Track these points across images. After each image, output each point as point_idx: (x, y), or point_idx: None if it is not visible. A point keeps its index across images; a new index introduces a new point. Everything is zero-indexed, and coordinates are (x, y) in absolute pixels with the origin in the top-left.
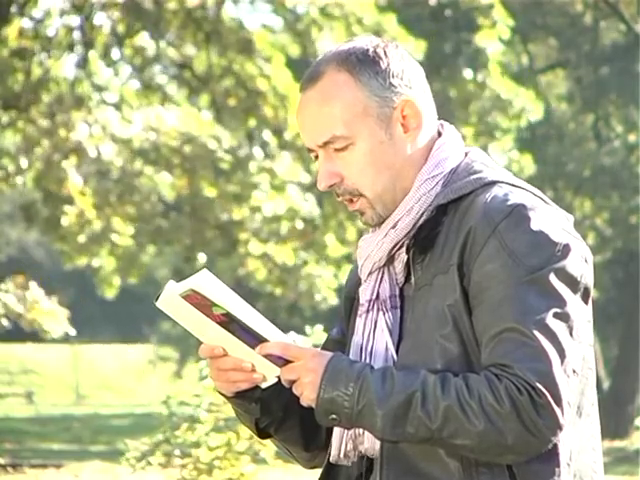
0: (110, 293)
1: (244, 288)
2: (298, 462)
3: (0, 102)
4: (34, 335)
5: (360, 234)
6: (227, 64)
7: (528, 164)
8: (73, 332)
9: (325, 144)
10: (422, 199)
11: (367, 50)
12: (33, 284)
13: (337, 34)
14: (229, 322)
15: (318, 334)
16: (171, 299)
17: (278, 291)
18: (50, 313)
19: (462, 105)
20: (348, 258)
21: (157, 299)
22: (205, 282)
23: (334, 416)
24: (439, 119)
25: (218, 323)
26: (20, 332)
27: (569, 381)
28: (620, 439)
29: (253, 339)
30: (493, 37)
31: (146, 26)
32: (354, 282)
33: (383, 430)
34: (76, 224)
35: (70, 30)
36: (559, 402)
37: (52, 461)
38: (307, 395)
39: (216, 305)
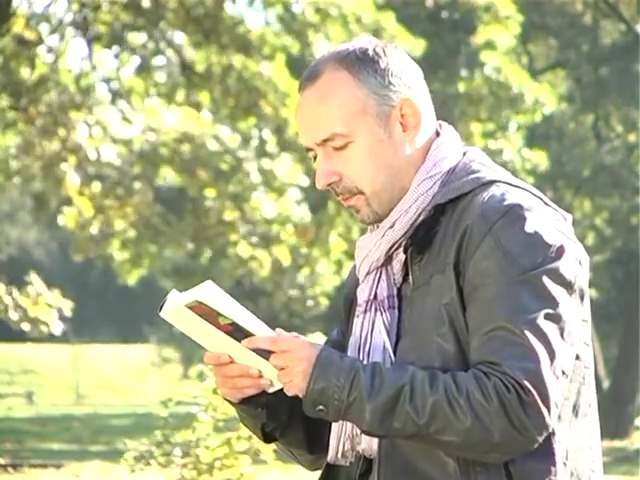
0: (132, 279)
1: (244, 288)
2: (302, 464)
3: (5, 99)
4: (34, 335)
5: (363, 233)
6: (227, 62)
7: (541, 161)
8: (69, 331)
9: (324, 142)
10: (420, 199)
11: (366, 49)
12: (35, 278)
13: (335, 33)
14: (235, 330)
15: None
16: (175, 309)
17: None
18: (53, 306)
19: (472, 102)
20: (351, 255)
21: (160, 309)
22: (210, 293)
23: (322, 407)
24: (441, 119)
25: (224, 332)
26: (20, 332)
27: (558, 382)
28: (620, 439)
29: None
30: (502, 32)
31: (146, 24)
32: (353, 283)
33: (371, 425)
34: (75, 225)
35: (75, 18)
36: (546, 402)
37: (52, 461)
38: (297, 383)
39: (222, 315)
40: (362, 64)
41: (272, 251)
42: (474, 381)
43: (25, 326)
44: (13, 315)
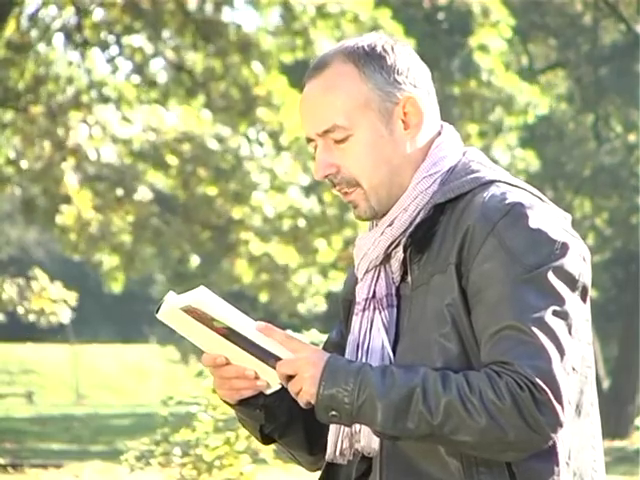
0: (116, 287)
1: (244, 288)
2: (302, 465)
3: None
4: (34, 335)
5: (346, 243)
6: (224, 66)
7: (532, 161)
8: (70, 331)
9: (324, 133)
10: (419, 197)
11: (375, 45)
12: (39, 273)
13: (330, 32)
14: (230, 334)
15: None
16: (172, 312)
17: (264, 296)
18: (57, 300)
19: (466, 103)
20: (335, 266)
21: (157, 311)
22: (203, 299)
23: (334, 412)
24: (443, 119)
25: (220, 334)
26: (20, 332)
27: (569, 378)
28: (620, 439)
29: (256, 349)
30: (494, 36)
31: (144, 26)
32: (352, 283)
33: (384, 425)
34: (74, 225)
35: (67, 22)
36: (559, 399)
37: (52, 461)
38: (307, 390)
39: (216, 320)
40: (369, 59)
41: (283, 248)
42: (487, 380)
43: (33, 317)
44: (20, 309)
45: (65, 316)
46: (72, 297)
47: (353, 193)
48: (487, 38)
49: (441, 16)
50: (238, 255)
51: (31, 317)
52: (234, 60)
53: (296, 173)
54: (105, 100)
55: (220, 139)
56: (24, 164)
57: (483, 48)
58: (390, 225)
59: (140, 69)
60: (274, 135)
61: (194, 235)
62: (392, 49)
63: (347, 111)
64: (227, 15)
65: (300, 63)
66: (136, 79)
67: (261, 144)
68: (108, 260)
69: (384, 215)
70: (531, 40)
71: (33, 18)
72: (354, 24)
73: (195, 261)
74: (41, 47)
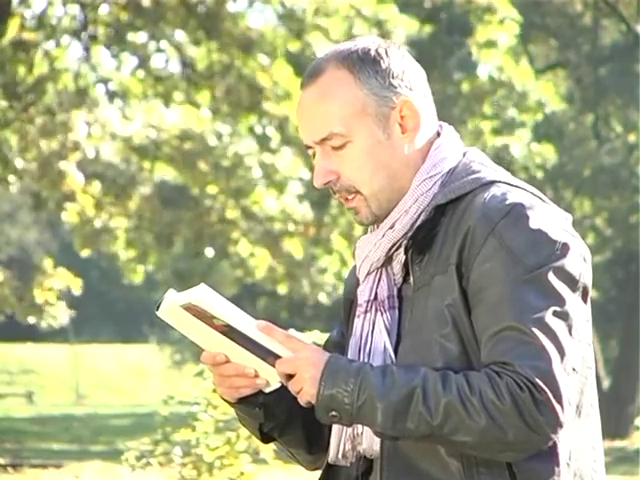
0: (136, 279)
1: (245, 288)
2: (301, 465)
3: (5, 99)
4: (34, 335)
5: (365, 231)
6: (228, 61)
7: (550, 154)
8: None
9: (322, 141)
10: (420, 199)
11: (368, 49)
12: (48, 262)
13: (334, 26)
14: (230, 331)
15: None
16: (172, 309)
17: (282, 288)
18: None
19: (476, 100)
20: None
21: (157, 308)
22: (203, 296)
23: (334, 413)
24: (440, 119)
25: (220, 332)
26: (20, 332)
27: (569, 379)
28: (620, 439)
29: (255, 347)
30: (502, 32)
31: (147, 23)
32: (353, 283)
33: (384, 426)
34: (78, 221)
35: (73, 19)
36: (559, 399)
37: (52, 461)
38: (307, 390)
39: (216, 317)
40: (364, 64)
41: (282, 246)
42: (487, 381)
43: (31, 319)
44: (18, 309)
45: (64, 317)
46: (77, 283)
47: (353, 200)
48: (494, 34)
49: (442, 16)
50: (229, 255)
51: (30, 319)
52: (238, 54)
53: (297, 168)
54: (111, 95)
55: (220, 136)
56: (26, 163)
57: (491, 44)
58: (391, 227)
59: (144, 65)
60: (280, 127)
61: (197, 232)
62: (386, 53)
63: (344, 118)
64: (230, 9)
65: (304, 53)
66: (141, 74)
67: (267, 138)
68: (125, 253)
69: (385, 218)
70: (531, 40)
71: (39, 15)
72: (358, 19)
73: (208, 253)
74: (49, 44)
